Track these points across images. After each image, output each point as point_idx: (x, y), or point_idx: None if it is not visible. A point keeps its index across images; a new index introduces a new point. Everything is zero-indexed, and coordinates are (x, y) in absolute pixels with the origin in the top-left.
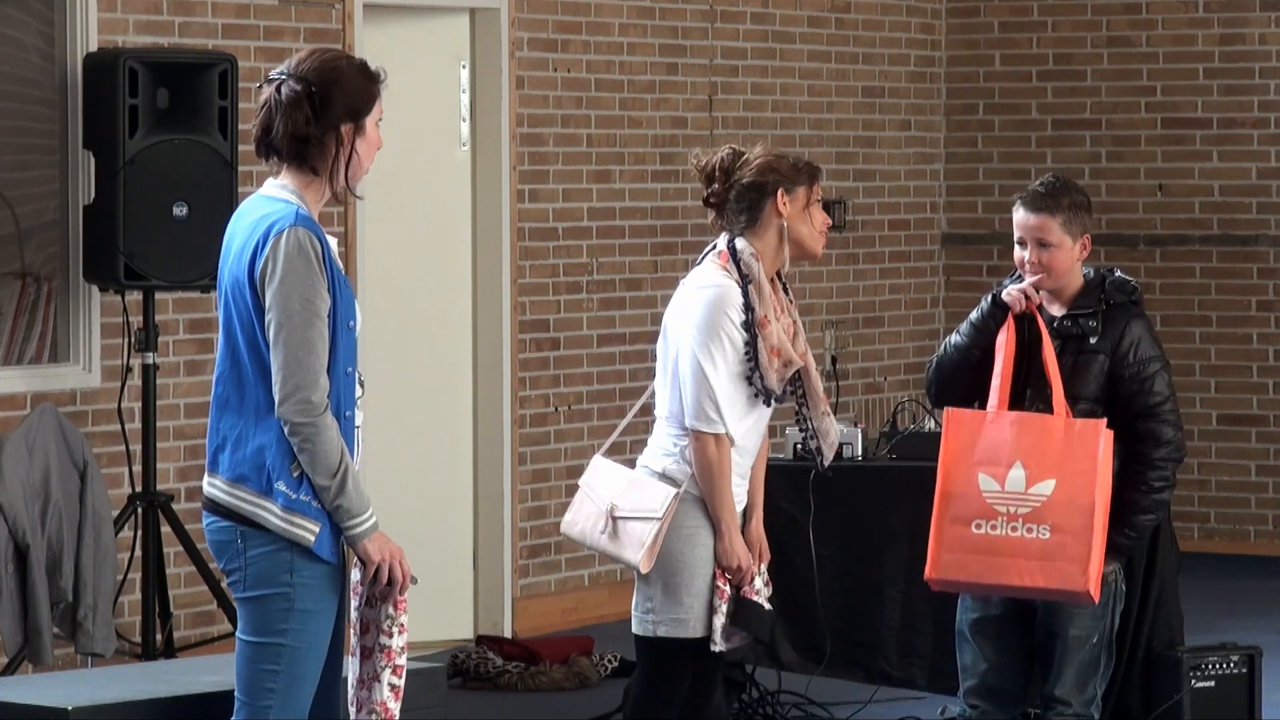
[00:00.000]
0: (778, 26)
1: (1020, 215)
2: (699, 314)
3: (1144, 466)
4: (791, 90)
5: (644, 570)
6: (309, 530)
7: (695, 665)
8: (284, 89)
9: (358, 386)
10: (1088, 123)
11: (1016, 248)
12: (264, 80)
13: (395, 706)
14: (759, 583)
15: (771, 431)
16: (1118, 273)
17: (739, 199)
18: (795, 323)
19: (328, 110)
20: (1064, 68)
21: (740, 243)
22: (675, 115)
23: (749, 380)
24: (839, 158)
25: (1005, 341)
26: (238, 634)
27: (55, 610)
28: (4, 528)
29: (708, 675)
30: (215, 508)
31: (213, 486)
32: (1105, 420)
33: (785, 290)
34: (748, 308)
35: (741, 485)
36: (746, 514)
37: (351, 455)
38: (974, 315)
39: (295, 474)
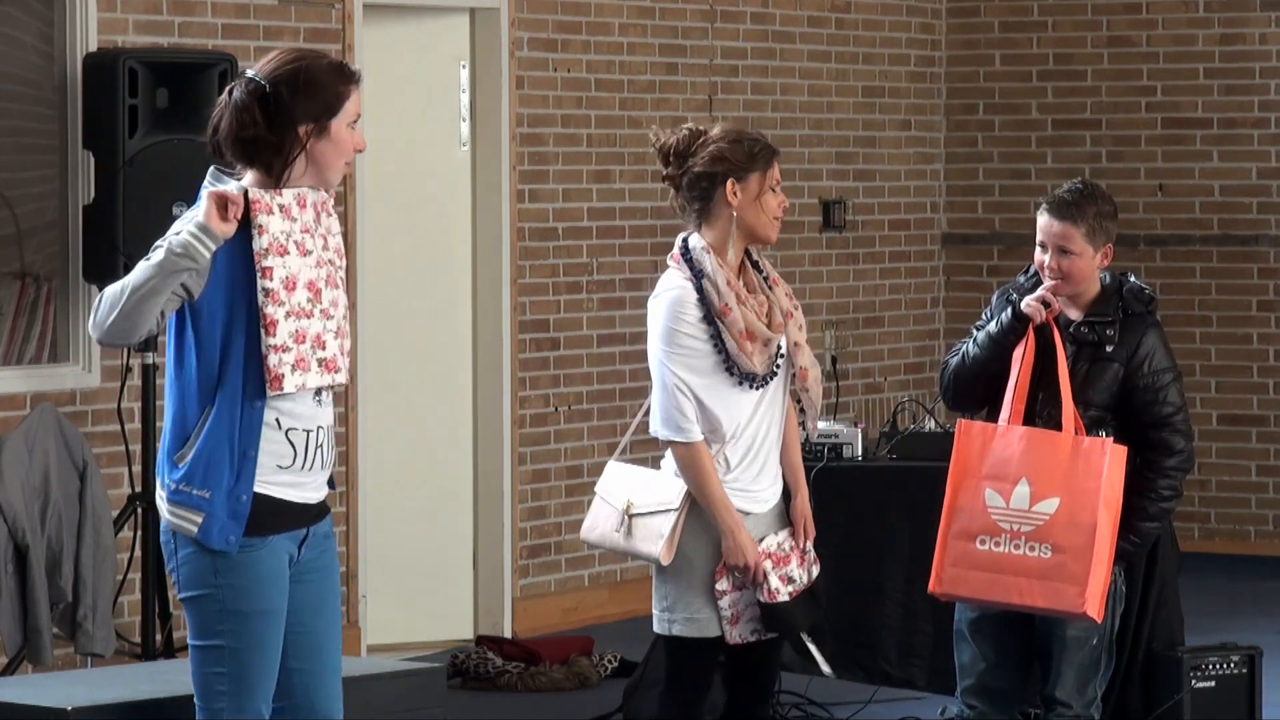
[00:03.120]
0: (778, 26)
1: (1044, 220)
2: (658, 323)
3: (1154, 475)
4: (791, 90)
5: (664, 562)
6: (191, 521)
7: (737, 669)
8: (237, 90)
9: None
10: (1088, 123)
11: (1037, 250)
12: (236, 80)
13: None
14: (784, 573)
15: None
16: (1133, 279)
17: (690, 188)
18: (769, 299)
19: (284, 113)
20: (1064, 68)
21: (694, 239)
22: (675, 115)
23: (728, 371)
24: (839, 158)
25: (1024, 354)
26: (188, 638)
27: (55, 610)
28: (4, 528)
29: (758, 679)
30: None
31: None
32: (1112, 439)
33: (756, 268)
34: (703, 303)
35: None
36: (789, 492)
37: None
38: (993, 329)
39: (178, 462)
